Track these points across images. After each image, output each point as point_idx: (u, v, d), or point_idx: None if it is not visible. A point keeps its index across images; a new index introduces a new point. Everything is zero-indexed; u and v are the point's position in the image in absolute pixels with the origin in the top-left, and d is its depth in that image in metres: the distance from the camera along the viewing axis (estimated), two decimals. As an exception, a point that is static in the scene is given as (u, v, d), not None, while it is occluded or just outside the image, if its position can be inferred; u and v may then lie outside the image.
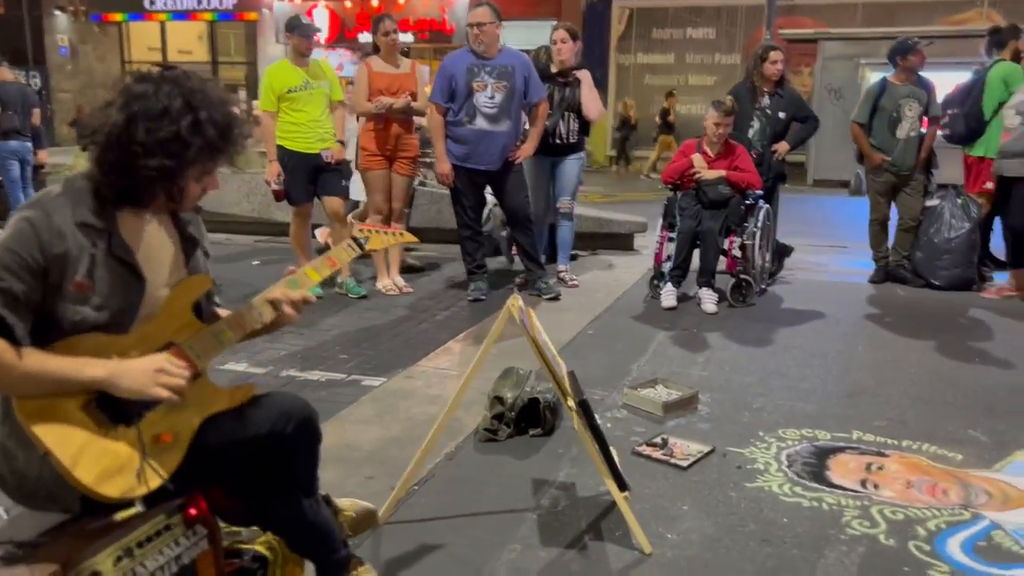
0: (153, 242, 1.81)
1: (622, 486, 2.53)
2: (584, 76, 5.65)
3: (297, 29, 5.29)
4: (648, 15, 17.98)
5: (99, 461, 1.63)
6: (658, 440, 3.21)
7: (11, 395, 1.63)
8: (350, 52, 18.98)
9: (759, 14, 15.71)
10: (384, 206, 5.61)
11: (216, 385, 1.88)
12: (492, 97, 5.10)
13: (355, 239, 2.15)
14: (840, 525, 2.63)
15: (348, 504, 2.29)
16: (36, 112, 7.85)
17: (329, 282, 5.71)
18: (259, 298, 1.92)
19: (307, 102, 5.29)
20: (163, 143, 1.66)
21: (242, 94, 18.81)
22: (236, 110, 1.77)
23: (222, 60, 21.79)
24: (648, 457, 3.09)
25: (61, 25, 20.84)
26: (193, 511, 1.89)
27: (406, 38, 18.43)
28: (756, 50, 6.03)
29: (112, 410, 1.67)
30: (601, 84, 5.29)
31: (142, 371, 1.66)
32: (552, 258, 5.94)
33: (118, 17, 21.09)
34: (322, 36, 17.71)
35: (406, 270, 6.10)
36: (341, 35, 19.41)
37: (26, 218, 1.64)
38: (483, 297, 5.40)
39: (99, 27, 21.18)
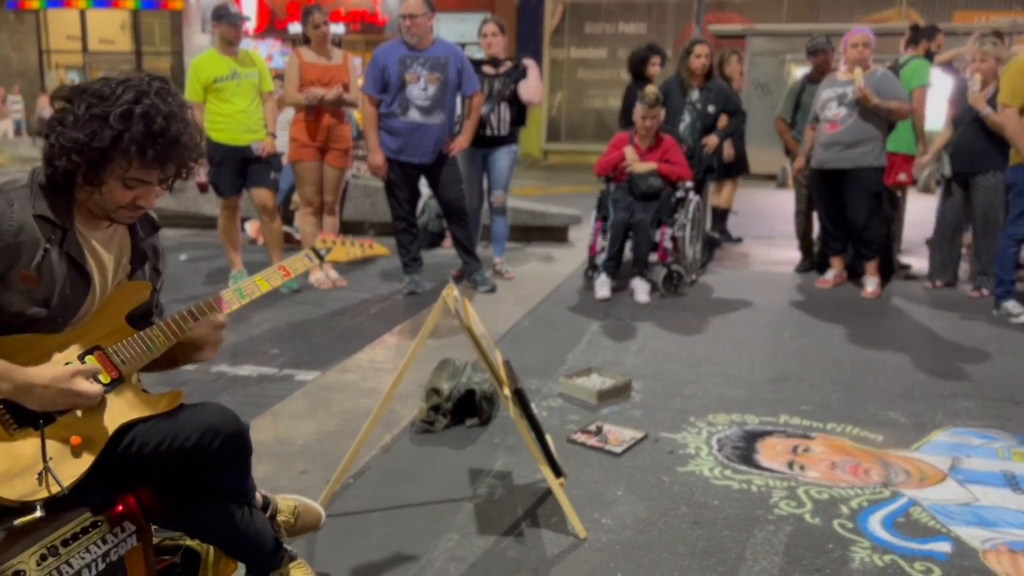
0: (103, 248, 1.79)
1: (557, 473, 2.56)
2: (531, 64, 5.67)
3: (224, 18, 5.17)
4: (581, 9, 18.13)
5: (0, 463, 1.59)
6: (593, 427, 3.25)
7: None
8: (280, 43, 18.65)
9: (689, 10, 16.02)
10: (315, 198, 5.54)
11: (142, 391, 1.83)
12: (425, 89, 5.08)
13: (315, 250, 2.06)
14: (768, 506, 2.71)
15: (294, 506, 2.23)
16: None
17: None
18: (195, 305, 1.86)
19: (234, 92, 5.18)
20: (90, 120, 1.62)
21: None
22: (182, 130, 1.69)
23: (146, 50, 21.15)
24: (583, 444, 3.13)
25: (-27, 12, 19.95)
26: (119, 508, 1.85)
27: (337, 29, 18.20)
28: (684, 45, 6.15)
29: (21, 412, 1.63)
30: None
31: (53, 391, 1.61)
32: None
33: (35, 4, 20.28)
34: (251, 26, 17.38)
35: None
36: (271, 25, 19.05)
37: None
38: (419, 290, 5.38)
39: (15, 15, 20.34)
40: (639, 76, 6.52)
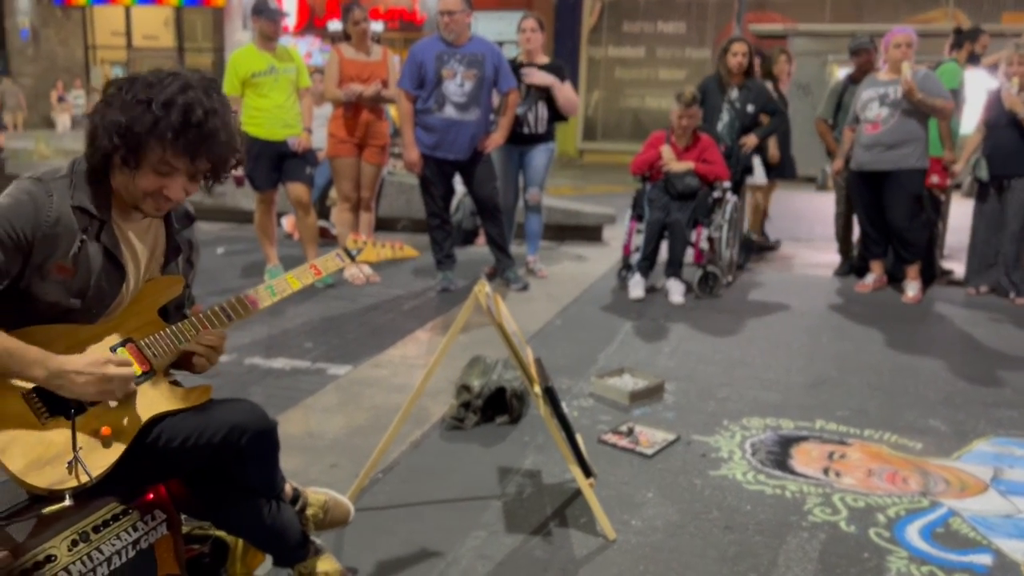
0: (138, 240, 1.80)
1: (587, 473, 2.54)
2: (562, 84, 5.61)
3: (263, 13, 5.21)
4: (619, 8, 18.01)
5: (31, 450, 1.61)
6: (624, 428, 3.22)
7: None
8: (319, 40, 18.80)
9: (729, 9, 15.86)
10: (352, 194, 5.56)
11: (173, 384, 1.84)
12: (461, 85, 5.07)
13: (346, 250, 2.08)
14: (802, 512, 2.66)
15: (323, 500, 2.23)
16: None
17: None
18: (227, 302, 1.88)
19: (272, 87, 5.21)
20: (135, 104, 1.63)
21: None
22: (219, 126, 1.68)
23: (188, 47, 21.45)
24: (614, 445, 3.10)
25: (23, 8, 20.37)
26: (150, 496, 1.86)
27: (376, 27, 18.32)
28: (722, 43, 6.08)
29: (53, 400, 1.64)
30: (572, 77, 5.27)
31: (85, 377, 1.62)
32: None
33: (82, 1, 20.67)
34: (291, 23, 17.55)
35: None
36: (310, 23, 19.21)
37: (28, 191, 1.64)
38: (451, 287, 5.38)
39: (62, 11, 20.74)
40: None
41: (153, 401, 1.76)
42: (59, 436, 1.63)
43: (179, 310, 1.91)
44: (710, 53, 16.46)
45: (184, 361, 1.88)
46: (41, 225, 1.62)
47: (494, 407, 3.28)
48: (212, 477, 1.87)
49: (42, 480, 1.61)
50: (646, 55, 18.05)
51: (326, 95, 5.51)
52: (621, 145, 17.25)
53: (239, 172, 5.29)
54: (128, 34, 21.64)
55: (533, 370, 2.48)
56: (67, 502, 1.62)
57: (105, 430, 1.68)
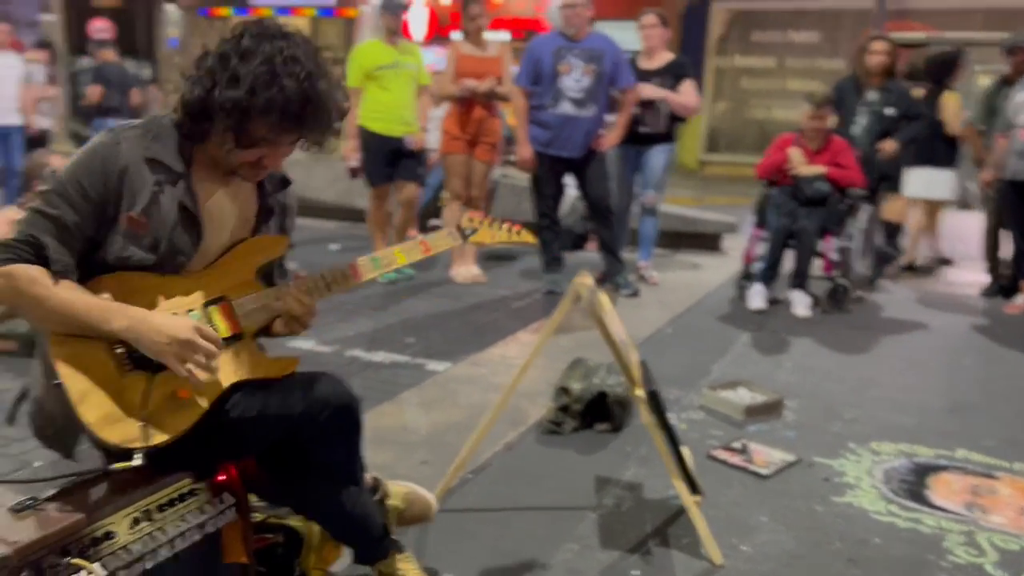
0: (224, 200, 1.71)
1: (694, 490, 2.30)
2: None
3: (388, 8, 5.25)
4: (749, 17, 17.45)
5: (107, 403, 1.53)
6: (737, 445, 2.95)
7: (47, 327, 1.56)
8: (443, 49, 19.10)
9: (866, 18, 15.06)
10: (463, 192, 5.47)
11: (258, 351, 1.74)
12: (579, 80, 4.90)
13: (460, 228, 1.94)
14: (941, 551, 2.33)
15: (405, 492, 2.10)
16: (135, 92, 8.05)
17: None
18: (329, 271, 1.79)
19: (394, 81, 5.22)
20: (246, 78, 1.53)
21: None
22: (326, 93, 1.59)
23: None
24: (725, 462, 2.84)
25: (172, 19, 21.64)
26: (222, 477, 1.76)
27: (503, 36, 18.42)
28: (860, 41, 5.67)
29: (139, 354, 1.57)
30: (698, 88, 5.07)
31: (167, 339, 1.53)
32: None
33: (224, 12, 21.77)
34: (421, 33, 17.88)
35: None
36: (437, 34, 19.55)
37: (96, 145, 1.59)
38: (558, 290, 5.19)
39: (206, 21, 21.92)
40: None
41: (236, 367, 1.67)
42: (136, 393, 1.56)
43: (267, 278, 1.80)
44: (844, 63, 15.70)
45: (265, 327, 1.78)
46: (110, 177, 1.56)
47: (594, 413, 3.08)
48: (289, 455, 1.76)
49: (115, 435, 1.54)
50: (776, 65, 17.40)
51: (441, 91, 5.45)
52: (745, 157, 16.62)
53: (355, 164, 5.33)
54: (265, 43, 22.60)
55: (637, 372, 2.26)
56: (137, 461, 1.53)
57: (183, 392, 1.59)
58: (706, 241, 6.92)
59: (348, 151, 5.39)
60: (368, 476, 2.00)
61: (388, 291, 5.17)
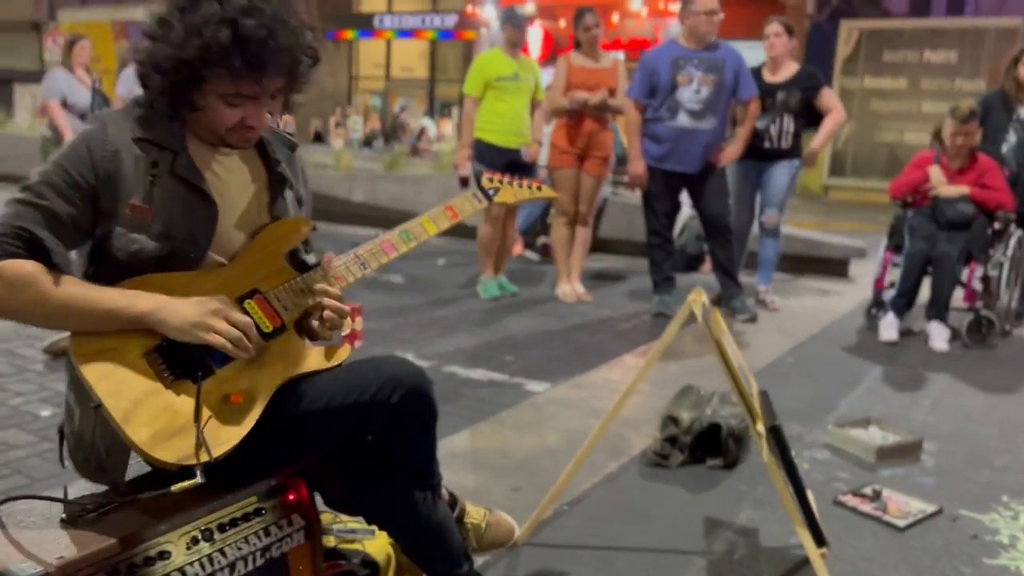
0: (229, 176, 1.57)
1: (819, 540, 2.01)
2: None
3: (510, 20, 5.19)
4: (880, 36, 16.64)
5: (156, 419, 1.37)
6: (868, 491, 2.61)
7: (51, 328, 1.46)
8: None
9: (1012, 36, 14.08)
10: (571, 207, 5.29)
11: (305, 344, 1.59)
12: (698, 91, 4.64)
13: (482, 188, 1.87)
14: (1124, 634, 1.95)
15: (482, 512, 1.94)
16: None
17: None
18: (360, 248, 1.67)
19: (513, 93, 5.12)
20: (181, 34, 1.39)
21: (456, 111, 19.37)
22: (275, 30, 1.41)
23: (439, 77, 22.64)
24: (854, 509, 2.52)
25: (302, 41, 22.42)
26: (292, 496, 1.61)
27: (619, 55, 18.22)
28: (1013, 52, 5.17)
29: (178, 362, 1.42)
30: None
31: (192, 312, 1.40)
32: None
33: (349, 35, 22.48)
34: (536, 53, 17.92)
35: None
36: (553, 54, 19.56)
37: (81, 134, 1.46)
38: (668, 312, 4.91)
39: (333, 44, 22.67)
40: None
41: (288, 362, 1.53)
42: (187, 403, 1.41)
43: (295, 259, 1.63)
44: (984, 84, 14.70)
45: (302, 328, 1.60)
46: (100, 162, 1.42)
47: (705, 446, 2.81)
48: (359, 454, 1.61)
49: (171, 454, 1.37)
50: (908, 86, 16.50)
51: (551, 103, 5.30)
52: (873, 182, 15.84)
53: (466, 172, 5.22)
54: (387, 66, 23.22)
55: (757, 404, 2.00)
56: (198, 479, 1.38)
57: (236, 397, 1.44)
58: (832, 266, 6.47)
59: (460, 159, 5.29)
60: (444, 490, 1.82)
61: (490, 307, 5.03)
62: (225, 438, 1.41)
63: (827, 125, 5.09)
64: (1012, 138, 4.98)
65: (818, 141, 5.16)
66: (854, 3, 19.36)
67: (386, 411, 1.53)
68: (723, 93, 4.66)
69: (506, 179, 1.94)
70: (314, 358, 1.57)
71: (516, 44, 5.20)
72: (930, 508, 2.53)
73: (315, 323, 1.56)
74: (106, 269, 1.45)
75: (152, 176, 1.45)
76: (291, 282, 1.55)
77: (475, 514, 1.90)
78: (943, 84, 16.07)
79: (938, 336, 4.40)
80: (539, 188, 1.97)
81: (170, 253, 1.46)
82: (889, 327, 4.50)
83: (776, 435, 1.96)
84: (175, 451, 1.38)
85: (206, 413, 1.41)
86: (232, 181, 1.57)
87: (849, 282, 6.32)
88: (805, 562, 2.08)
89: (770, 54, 5.06)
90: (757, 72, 5.04)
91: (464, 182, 5.43)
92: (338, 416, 1.52)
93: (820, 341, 4.55)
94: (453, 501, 1.86)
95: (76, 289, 1.39)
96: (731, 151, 4.79)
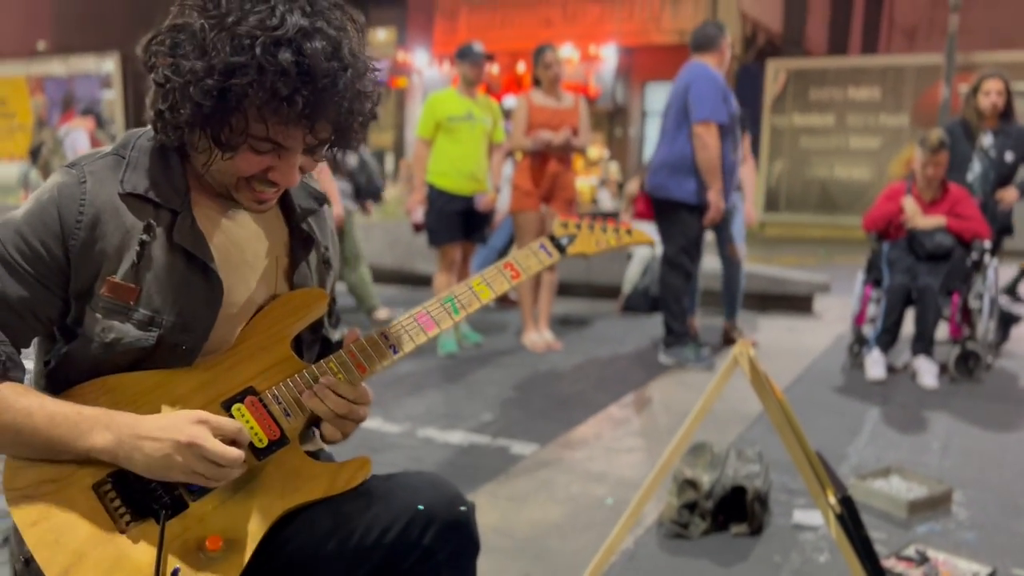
0: (239, 235, 1.20)
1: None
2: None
3: (467, 57, 4.88)
4: (806, 76, 17.09)
5: (107, 573, 1.02)
6: (912, 553, 2.37)
7: None
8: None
9: (931, 74, 14.56)
10: (536, 252, 5.01)
11: (311, 460, 1.20)
12: None
13: (553, 238, 1.44)
14: None
15: None
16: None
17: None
18: (387, 327, 1.27)
19: (467, 134, 4.83)
20: (215, 42, 1.01)
21: (389, 158, 19.09)
22: (348, 64, 1.05)
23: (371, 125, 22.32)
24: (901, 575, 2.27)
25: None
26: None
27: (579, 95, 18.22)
28: (972, 82, 5.17)
29: (138, 495, 1.07)
30: (753, 148, 4.71)
31: (169, 448, 1.03)
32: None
33: (402, 82, 21.86)
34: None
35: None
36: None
37: (51, 187, 1.09)
38: (706, 361, 4.58)
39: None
40: None
41: (284, 488, 1.15)
42: (146, 552, 1.05)
43: (316, 335, 1.30)
44: (907, 120, 15.16)
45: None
46: (71, 231, 1.07)
47: (727, 511, 2.53)
48: None
49: None
50: (835, 123, 16.93)
51: (513, 143, 5.06)
52: (807, 217, 16.16)
53: (419, 219, 4.92)
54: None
55: (824, 472, 1.73)
56: None
57: (212, 541, 1.07)
58: (796, 303, 6.33)
59: (412, 204, 5.00)
60: None
61: (455, 361, 4.69)
62: None
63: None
64: (977, 167, 4.93)
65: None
66: (777, 44, 19.90)
67: (416, 552, 1.18)
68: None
69: (584, 223, 1.51)
70: (322, 480, 1.18)
71: (472, 82, 4.92)
72: (984, 570, 2.29)
73: (324, 428, 1.20)
74: (71, 362, 1.10)
75: (142, 245, 1.10)
76: (298, 376, 1.18)
77: None
78: (868, 120, 16.53)
79: (927, 372, 4.24)
80: (628, 232, 1.53)
81: (156, 345, 1.11)
82: (876, 364, 4.33)
83: (848, 507, 1.69)
84: None
85: (172, 565, 1.05)
86: (246, 244, 1.20)
87: (815, 318, 6.19)
88: (875, 649, 1.80)
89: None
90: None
91: (417, 228, 5.13)
92: (354, 560, 1.17)
93: (806, 383, 4.35)
94: None
95: (16, 405, 1.03)
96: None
